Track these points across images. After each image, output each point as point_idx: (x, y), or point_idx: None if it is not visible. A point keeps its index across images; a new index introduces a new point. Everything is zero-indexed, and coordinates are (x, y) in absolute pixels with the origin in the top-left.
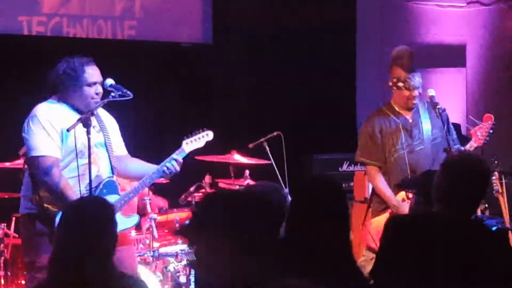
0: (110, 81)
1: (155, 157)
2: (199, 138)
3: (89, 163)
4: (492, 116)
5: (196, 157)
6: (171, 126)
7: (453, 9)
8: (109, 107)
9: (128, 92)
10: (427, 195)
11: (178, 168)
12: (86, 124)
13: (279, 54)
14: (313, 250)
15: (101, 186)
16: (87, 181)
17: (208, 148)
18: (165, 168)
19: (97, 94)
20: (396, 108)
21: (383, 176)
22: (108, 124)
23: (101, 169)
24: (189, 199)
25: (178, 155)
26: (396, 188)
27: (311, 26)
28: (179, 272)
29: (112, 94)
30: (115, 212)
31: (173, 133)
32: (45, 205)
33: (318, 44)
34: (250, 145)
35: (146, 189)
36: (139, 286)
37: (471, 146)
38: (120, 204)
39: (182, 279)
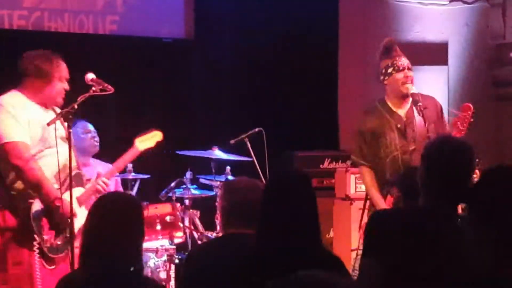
0: (91, 76)
1: None
2: (150, 137)
3: (70, 158)
4: (471, 106)
5: (177, 152)
6: (152, 121)
7: (436, 7)
8: (89, 101)
9: (109, 87)
10: (405, 190)
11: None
12: (67, 119)
13: (261, 50)
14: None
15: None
16: (54, 172)
17: (189, 144)
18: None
19: (65, 90)
20: (391, 106)
21: (377, 174)
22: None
23: (68, 161)
24: (170, 194)
25: (131, 153)
26: (387, 186)
27: (293, 23)
28: (159, 267)
29: (93, 88)
30: (142, 210)
31: (153, 128)
32: (13, 193)
33: (300, 41)
34: (232, 141)
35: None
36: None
37: None
38: (83, 198)
39: (162, 275)
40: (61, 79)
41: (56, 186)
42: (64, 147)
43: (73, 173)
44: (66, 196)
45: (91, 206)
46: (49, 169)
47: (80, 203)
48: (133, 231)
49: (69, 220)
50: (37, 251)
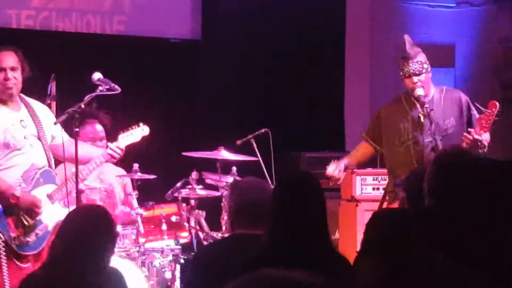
0: (98, 75)
1: (142, 151)
2: (135, 133)
3: (76, 156)
4: (497, 103)
5: (183, 153)
6: (158, 121)
7: (443, 9)
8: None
9: (116, 87)
10: (410, 192)
11: (121, 153)
12: (73, 118)
13: (267, 51)
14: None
15: (37, 175)
16: (20, 172)
17: (195, 144)
18: (109, 151)
19: (6, 80)
20: (412, 98)
21: (391, 160)
22: (41, 114)
23: (36, 160)
24: (176, 194)
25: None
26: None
27: (300, 24)
28: (164, 267)
29: (100, 88)
30: (115, 224)
31: (160, 128)
32: None
33: (307, 42)
34: (238, 142)
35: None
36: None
37: (485, 139)
38: (58, 194)
39: (168, 275)
40: None
41: (24, 185)
42: (33, 147)
43: (42, 170)
44: (35, 193)
45: (65, 217)
46: (18, 170)
47: (52, 200)
48: (100, 245)
49: (38, 214)
50: (3, 249)
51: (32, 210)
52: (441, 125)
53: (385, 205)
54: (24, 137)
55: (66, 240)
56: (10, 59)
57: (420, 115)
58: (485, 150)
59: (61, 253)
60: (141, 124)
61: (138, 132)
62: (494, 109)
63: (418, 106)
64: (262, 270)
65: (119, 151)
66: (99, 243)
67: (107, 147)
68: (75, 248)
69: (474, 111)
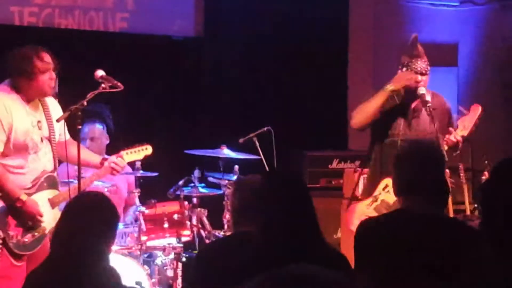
0: (100, 72)
1: None
2: (138, 151)
3: (78, 153)
4: (480, 107)
5: (185, 151)
6: (161, 119)
7: (446, 8)
8: (99, 98)
9: (119, 84)
10: None
11: (122, 169)
12: (75, 116)
13: (271, 49)
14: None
15: (42, 179)
16: (32, 177)
17: (198, 142)
18: (112, 165)
19: (51, 79)
20: (406, 94)
21: (376, 154)
22: (54, 112)
23: (47, 166)
24: (178, 192)
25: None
26: (383, 175)
27: (303, 22)
28: (166, 265)
29: (103, 85)
30: (115, 211)
31: (163, 126)
32: None
33: (310, 40)
34: (240, 140)
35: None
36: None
37: (455, 135)
38: (58, 200)
39: (170, 273)
40: (44, 71)
41: (33, 191)
42: (46, 154)
43: (46, 175)
44: (37, 197)
45: (66, 205)
46: (31, 176)
47: (53, 205)
48: (102, 231)
49: (38, 221)
50: (0, 246)
51: (34, 217)
52: (430, 127)
53: (373, 203)
54: (41, 140)
55: (65, 228)
56: (50, 59)
57: (411, 113)
58: (458, 151)
59: (58, 242)
60: (145, 144)
61: (142, 152)
62: (475, 112)
63: (415, 103)
64: (284, 268)
65: (121, 166)
66: (96, 229)
67: (105, 150)
68: (73, 235)
69: (454, 119)
